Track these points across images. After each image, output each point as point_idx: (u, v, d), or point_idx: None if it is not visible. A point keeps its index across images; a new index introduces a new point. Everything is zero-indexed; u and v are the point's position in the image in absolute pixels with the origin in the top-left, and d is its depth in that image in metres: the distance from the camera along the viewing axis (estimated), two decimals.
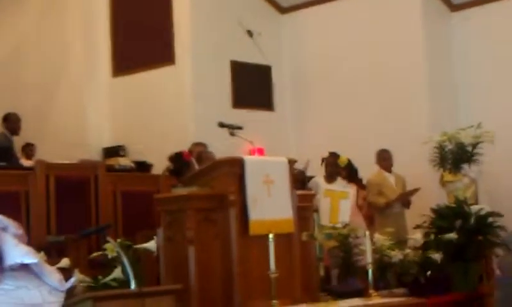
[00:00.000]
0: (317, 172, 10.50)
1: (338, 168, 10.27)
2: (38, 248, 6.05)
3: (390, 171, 10.63)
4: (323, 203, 9.43)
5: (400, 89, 12.02)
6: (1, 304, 1.71)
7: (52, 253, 7.37)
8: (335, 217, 9.46)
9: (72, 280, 1.91)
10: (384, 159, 10.69)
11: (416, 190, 10.21)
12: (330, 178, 10.16)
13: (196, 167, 10.00)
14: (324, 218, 9.36)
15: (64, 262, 6.33)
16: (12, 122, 10.64)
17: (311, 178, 10.67)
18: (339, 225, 9.04)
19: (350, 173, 10.49)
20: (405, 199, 10.31)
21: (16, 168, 9.47)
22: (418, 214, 9.42)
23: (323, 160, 10.36)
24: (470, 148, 9.37)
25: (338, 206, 9.58)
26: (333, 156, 10.40)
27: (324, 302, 6.30)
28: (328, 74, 12.81)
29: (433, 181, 10.09)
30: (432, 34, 12.23)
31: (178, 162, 9.63)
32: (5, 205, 8.09)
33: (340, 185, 10.19)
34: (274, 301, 5.93)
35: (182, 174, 9.23)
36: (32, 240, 7.54)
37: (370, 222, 10.25)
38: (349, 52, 12.55)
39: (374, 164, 10.64)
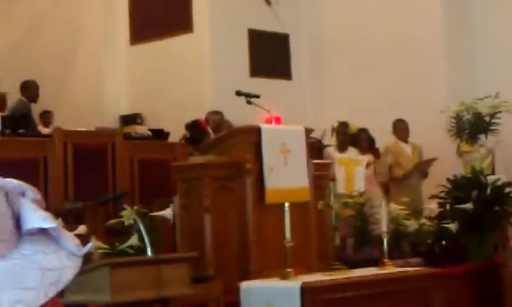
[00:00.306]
0: (330, 142, 10.54)
1: (348, 136, 10.29)
2: (56, 214, 6.11)
3: (406, 141, 10.60)
4: (338, 172, 9.45)
5: (419, 58, 11.97)
6: (20, 268, 1.73)
7: (69, 220, 7.44)
8: (350, 185, 9.50)
9: (89, 245, 1.92)
10: (401, 129, 10.66)
11: (433, 160, 10.17)
12: (342, 147, 10.18)
13: (213, 135, 10.05)
14: (340, 187, 9.39)
15: (82, 229, 6.40)
16: (30, 89, 10.70)
17: (327, 146, 10.69)
18: (355, 193, 9.10)
19: (367, 143, 10.48)
20: (422, 169, 10.27)
21: (34, 135, 9.54)
22: (434, 184, 9.43)
23: (333, 129, 10.38)
24: (487, 118, 9.36)
25: (353, 173, 9.61)
26: (343, 125, 10.41)
27: (339, 271, 6.32)
28: (346, 43, 12.76)
29: (450, 151, 10.07)
30: (451, 3, 12.14)
31: (195, 130, 9.65)
32: (24, 172, 8.14)
33: (352, 153, 10.21)
34: (289, 270, 5.96)
35: (198, 142, 9.25)
36: (50, 207, 7.61)
37: (386, 191, 10.24)
38: (368, 21, 12.48)
39: (391, 134, 10.62)
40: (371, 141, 10.56)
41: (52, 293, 1.72)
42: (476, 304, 8.15)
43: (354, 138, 10.38)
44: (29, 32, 13.60)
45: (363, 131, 10.37)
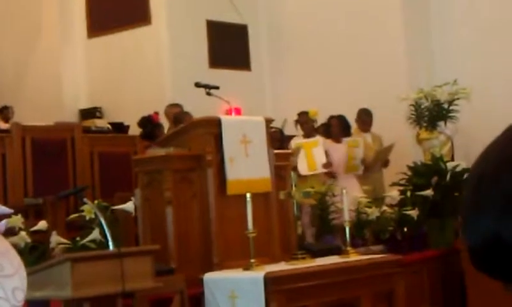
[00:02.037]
0: (295, 132, 10.57)
1: (312, 123, 10.31)
2: (16, 210, 6.06)
3: (368, 131, 10.63)
4: (300, 157, 9.53)
5: (378, 47, 12.02)
6: None
7: (29, 215, 7.37)
8: (312, 165, 9.60)
9: (4, 222, 1.85)
10: (363, 119, 10.67)
11: (391, 147, 10.21)
12: (308, 136, 10.21)
13: (168, 127, 10.02)
14: (303, 169, 9.51)
15: (42, 224, 6.34)
16: None
17: (289, 137, 10.71)
18: (318, 171, 9.31)
19: (340, 129, 10.24)
20: (382, 158, 10.30)
21: None
22: (394, 172, 9.49)
23: (296, 122, 10.42)
24: (446, 105, 9.43)
25: (312, 154, 9.67)
26: (303, 114, 10.43)
27: (302, 260, 6.33)
28: (305, 32, 12.78)
29: (410, 139, 10.14)
30: None
31: (148, 125, 9.63)
32: None
33: (321, 140, 10.26)
34: (252, 260, 5.95)
35: (154, 136, 9.23)
36: (9, 203, 7.54)
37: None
38: (326, 10, 12.51)
39: (353, 123, 10.64)
40: (346, 127, 10.32)
41: None
42: (438, 289, 8.23)
43: (326, 126, 10.37)
44: None
45: (333, 118, 10.30)
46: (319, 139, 10.02)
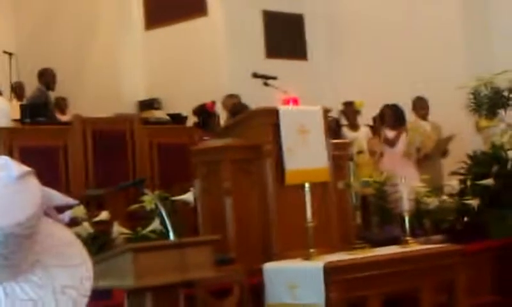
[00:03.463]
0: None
1: (356, 114, 10.32)
2: (78, 201, 6.15)
3: (426, 119, 10.55)
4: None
5: (436, 35, 11.90)
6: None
7: (91, 206, 7.47)
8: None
9: (68, 213, 1.87)
10: (421, 107, 10.60)
11: (451, 137, 10.11)
12: (353, 126, 10.21)
13: (226, 118, 10.05)
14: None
15: (104, 215, 6.43)
16: (47, 77, 10.74)
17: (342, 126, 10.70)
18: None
19: (393, 118, 10.18)
20: (442, 148, 10.18)
21: (53, 123, 9.58)
22: (454, 161, 9.40)
23: (340, 112, 10.41)
24: (506, 93, 9.31)
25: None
26: (349, 105, 10.40)
27: (361, 250, 6.32)
28: (362, 21, 12.71)
29: (469, 127, 10.02)
30: None
31: (203, 114, 9.67)
32: (44, 160, 8.20)
33: (364, 132, 10.22)
34: (311, 250, 5.96)
35: (208, 125, 9.27)
36: (72, 194, 7.64)
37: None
38: None
39: (410, 112, 10.57)
40: (400, 116, 10.21)
41: None
42: (499, 279, 8.13)
43: (380, 115, 10.30)
44: (45, 21, 13.64)
45: (387, 107, 10.22)
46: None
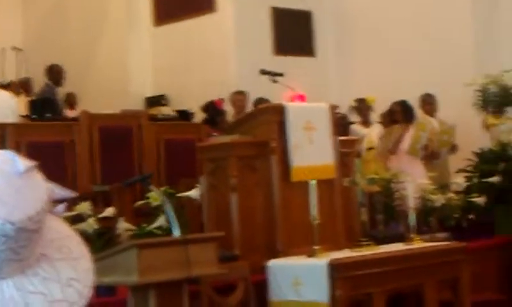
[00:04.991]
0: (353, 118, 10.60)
1: (369, 110, 10.34)
2: (84, 197, 6.18)
3: (433, 116, 10.53)
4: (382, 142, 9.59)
5: (444, 32, 11.88)
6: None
7: (97, 202, 7.49)
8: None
9: (62, 206, 1.87)
10: (429, 103, 10.60)
11: (453, 128, 10.07)
12: (366, 122, 10.21)
13: (233, 114, 10.07)
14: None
15: (110, 211, 6.45)
16: (56, 73, 10.78)
17: (352, 123, 10.70)
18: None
19: (403, 115, 10.15)
20: (446, 141, 10.13)
21: (61, 119, 9.62)
22: (461, 158, 9.39)
23: (352, 108, 10.41)
24: None
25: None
26: (361, 101, 10.40)
27: (366, 247, 6.33)
28: (370, 18, 12.69)
29: (476, 124, 10.00)
30: None
31: (211, 111, 9.69)
32: (51, 156, 8.23)
33: (376, 127, 10.20)
34: (316, 247, 5.97)
35: (216, 122, 9.29)
36: (78, 190, 7.67)
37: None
38: None
39: (418, 109, 10.55)
40: (409, 112, 10.18)
41: None
42: (504, 277, 8.12)
43: (390, 112, 10.28)
44: (53, 17, 13.68)
45: (396, 104, 10.20)
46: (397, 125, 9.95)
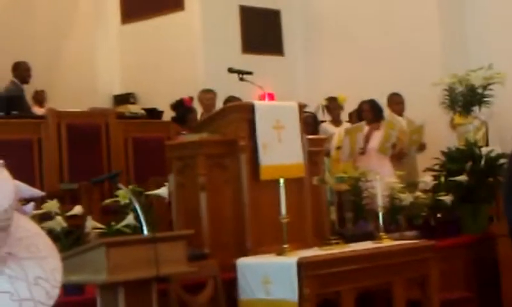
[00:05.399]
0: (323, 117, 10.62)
1: (340, 109, 10.40)
2: (52, 195, 6.12)
3: (401, 115, 10.60)
4: (345, 143, 9.52)
5: (412, 31, 11.95)
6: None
7: (65, 200, 7.44)
8: (354, 151, 9.59)
9: (31, 205, 1.85)
10: (396, 103, 10.66)
11: (422, 127, 10.13)
12: (337, 121, 10.26)
13: (202, 113, 10.05)
14: (345, 155, 9.50)
15: (78, 209, 6.40)
16: (22, 71, 10.69)
17: (322, 122, 10.72)
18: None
19: (372, 114, 10.18)
20: (415, 140, 10.19)
21: (28, 117, 9.53)
22: (428, 157, 9.45)
23: (323, 107, 10.44)
24: (480, 90, 9.35)
25: (356, 140, 9.64)
26: (332, 100, 10.44)
27: (335, 245, 6.34)
28: (338, 18, 12.73)
29: (444, 124, 10.08)
30: None
31: (180, 109, 9.66)
32: (18, 154, 8.16)
33: (347, 126, 10.25)
34: (285, 245, 5.97)
35: (185, 120, 9.27)
36: (46, 188, 7.61)
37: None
38: None
39: (386, 108, 10.60)
40: (378, 111, 10.23)
41: None
42: (472, 275, 8.19)
43: (358, 111, 10.35)
44: (19, 13, 13.54)
45: (365, 103, 10.26)
46: (363, 124, 9.95)
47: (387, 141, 9.85)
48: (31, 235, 1.66)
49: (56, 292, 1.64)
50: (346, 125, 10.46)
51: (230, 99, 9.80)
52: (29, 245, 1.64)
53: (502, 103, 9.74)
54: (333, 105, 10.53)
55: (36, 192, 1.86)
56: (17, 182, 1.69)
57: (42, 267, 1.62)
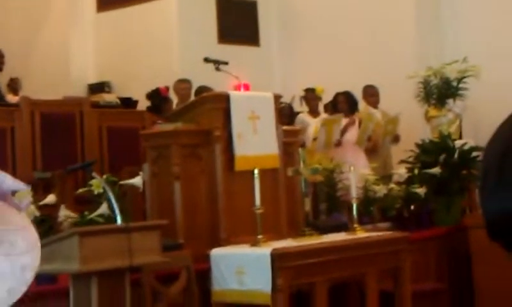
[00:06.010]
0: (300, 108, 10.61)
1: (318, 101, 10.42)
2: (30, 186, 6.07)
3: (376, 107, 10.63)
4: (321, 133, 9.52)
5: (387, 24, 11.98)
6: None
7: (38, 189, 7.39)
8: (330, 143, 9.60)
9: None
10: (371, 95, 10.69)
11: (397, 118, 10.18)
12: (314, 112, 10.28)
13: (176, 102, 10.02)
14: (321, 146, 9.50)
15: (51, 198, 6.37)
16: None
17: (298, 113, 10.73)
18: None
19: (347, 105, 10.22)
20: (390, 131, 10.24)
21: (1, 105, 9.45)
22: (403, 149, 9.48)
23: (301, 98, 10.46)
24: (455, 83, 9.40)
25: (332, 131, 9.65)
26: (310, 91, 10.46)
27: (309, 237, 6.36)
28: (315, 10, 12.74)
29: (418, 116, 10.12)
30: None
31: (156, 98, 9.64)
32: None
33: (324, 118, 10.26)
34: (259, 236, 5.97)
35: (160, 110, 9.24)
36: (19, 176, 7.55)
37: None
38: None
39: (361, 100, 10.64)
40: (353, 103, 10.30)
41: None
42: (445, 266, 8.24)
43: (333, 103, 10.39)
44: None
45: (340, 94, 10.30)
46: (341, 116, 9.96)
47: (364, 133, 9.90)
48: (13, 230, 1.63)
49: (20, 291, 1.61)
50: (324, 116, 10.48)
51: (201, 89, 9.76)
52: (2, 242, 1.61)
53: (476, 96, 9.79)
54: (311, 96, 10.54)
55: (21, 185, 1.83)
56: (3, 173, 1.67)
57: (11, 263, 1.59)
